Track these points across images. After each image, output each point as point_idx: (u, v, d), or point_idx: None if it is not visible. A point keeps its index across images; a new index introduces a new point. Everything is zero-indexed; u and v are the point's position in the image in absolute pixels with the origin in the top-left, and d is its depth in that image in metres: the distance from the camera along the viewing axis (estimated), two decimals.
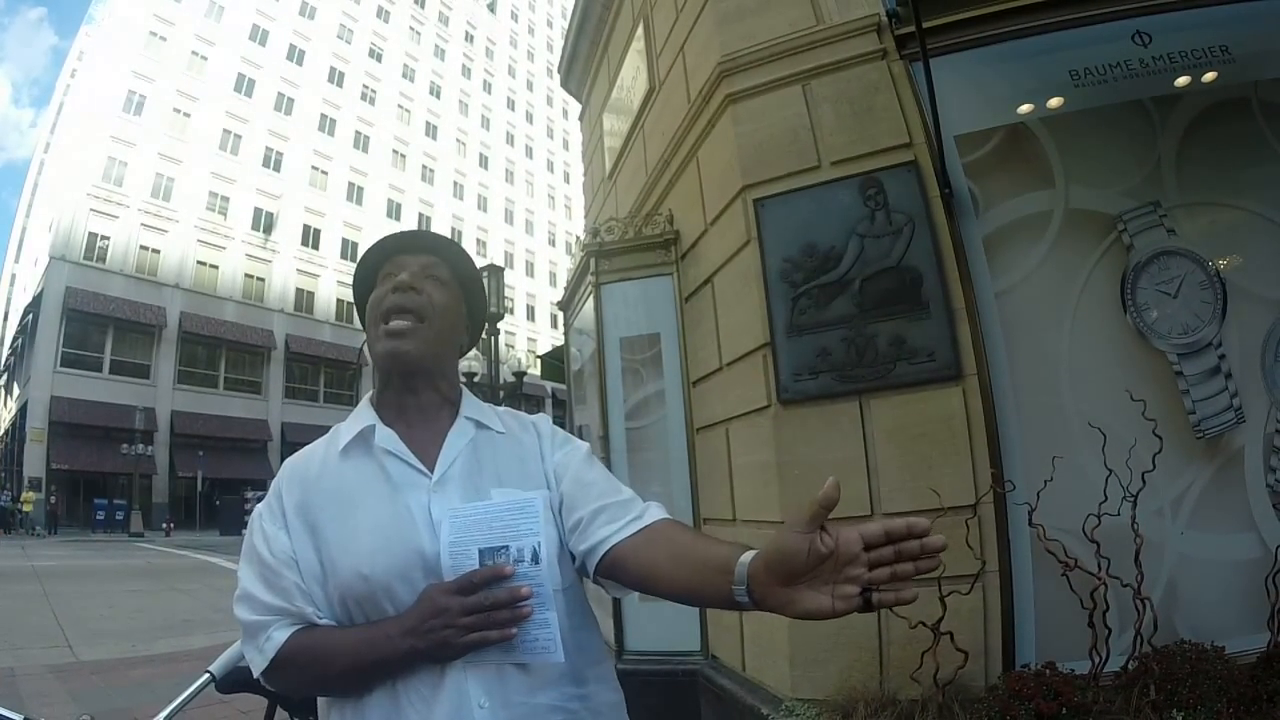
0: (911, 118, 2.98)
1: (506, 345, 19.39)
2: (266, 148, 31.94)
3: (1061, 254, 2.88)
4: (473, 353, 12.18)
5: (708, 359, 3.60)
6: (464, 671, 0.92)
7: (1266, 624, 2.37)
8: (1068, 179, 2.91)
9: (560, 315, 5.85)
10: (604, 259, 4.21)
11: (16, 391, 28.04)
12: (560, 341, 6.89)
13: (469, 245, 35.15)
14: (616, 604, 3.61)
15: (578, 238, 4.73)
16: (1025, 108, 2.97)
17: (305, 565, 0.98)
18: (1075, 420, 2.70)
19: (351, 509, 1.00)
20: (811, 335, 2.94)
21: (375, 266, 1.15)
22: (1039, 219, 2.91)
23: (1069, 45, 2.90)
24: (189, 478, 26.25)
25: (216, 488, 26.42)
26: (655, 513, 1.04)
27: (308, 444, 1.13)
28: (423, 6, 41.91)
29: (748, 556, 0.81)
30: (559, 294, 6.10)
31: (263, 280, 31.25)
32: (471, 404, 1.14)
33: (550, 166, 50.54)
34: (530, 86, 50.17)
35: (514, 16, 50.39)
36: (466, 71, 44.24)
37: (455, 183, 41.47)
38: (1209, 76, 2.82)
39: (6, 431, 28.56)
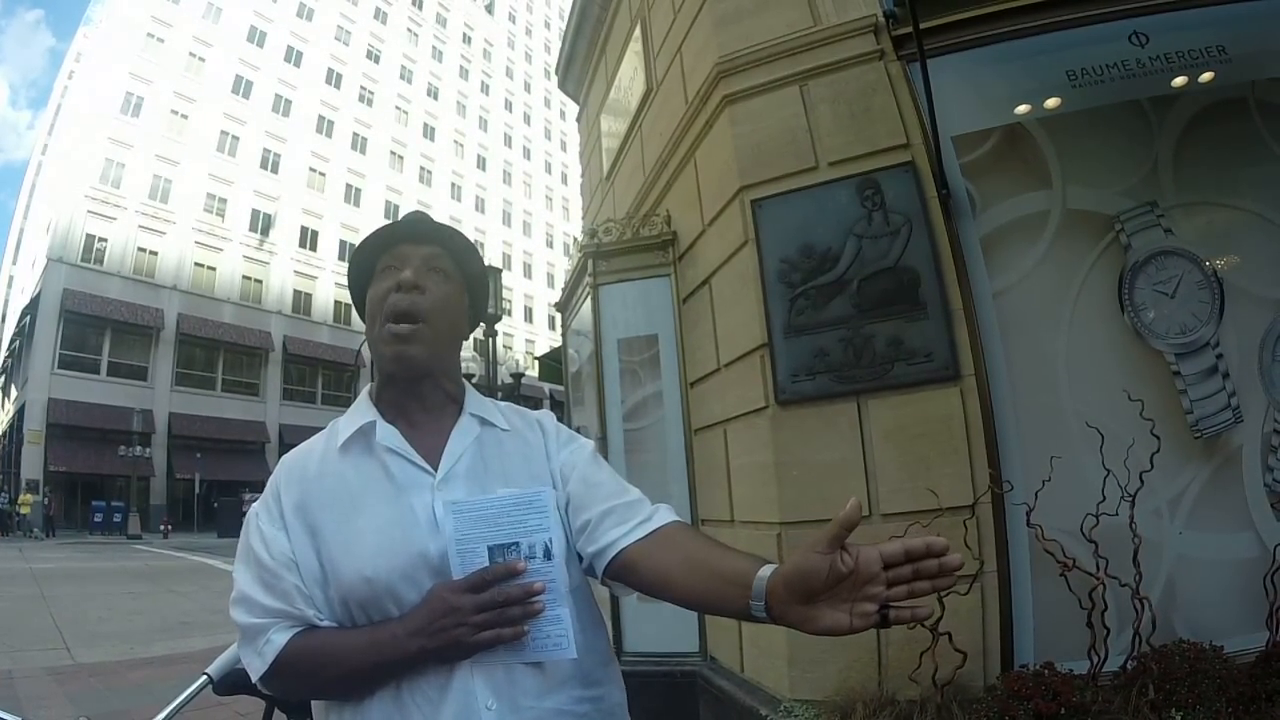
0: (909, 118, 2.99)
1: (504, 346, 19.39)
2: (264, 149, 31.90)
3: (1059, 254, 2.88)
4: (471, 354, 12.17)
5: (705, 360, 3.59)
6: (471, 672, 0.90)
7: (1265, 623, 2.37)
8: (1065, 179, 2.91)
9: (558, 316, 5.85)
10: (602, 260, 4.21)
11: (14, 393, 27.98)
12: (558, 343, 6.89)
13: None
14: (615, 604, 3.61)
15: (575, 239, 4.73)
16: (1022, 108, 2.97)
17: (305, 567, 0.95)
18: (1073, 420, 2.71)
19: (353, 509, 0.97)
20: (809, 336, 2.94)
21: (374, 256, 1.10)
22: (1036, 219, 2.92)
23: (1066, 45, 2.90)
24: (187, 479, 26.18)
25: (214, 489, 26.34)
26: (664, 515, 1.02)
27: None
28: (420, 8, 41.90)
29: (766, 571, 0.81)
30: (557, 295, 6.10)
31: (260, 282, 31.21)
32: (475, 400, 1.11)
33: (548, 168, 50.53)
34: (528, 88, 50.17)
35: (511, 18, 50.40)
36: (464, 73, 44.22)
37: (453, 184, 41.45)
38: (1206, 76, 2.82)
39: (4, 434, 28.47)
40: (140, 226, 27.49)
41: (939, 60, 2.81)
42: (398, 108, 38.94)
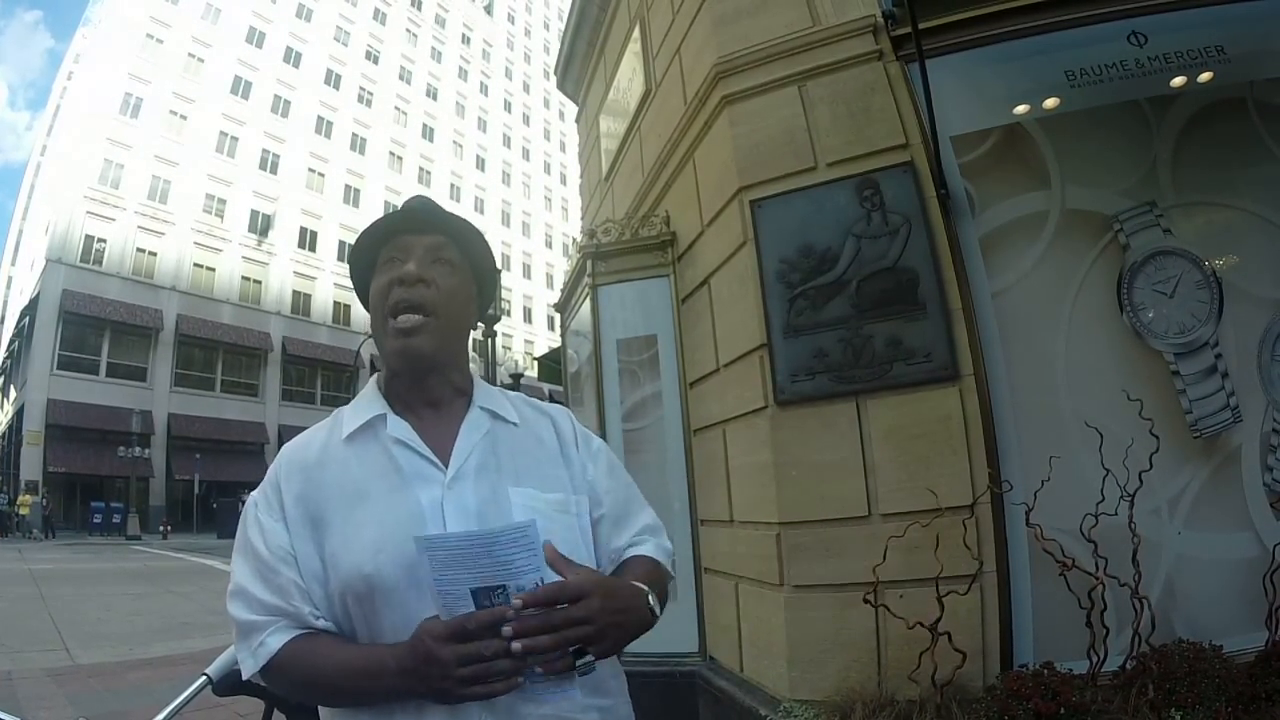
0: (908, 118, 2.99)
1: (503, 347, 19.38)
2: (263, 150, 31.88)
3: (1058, 254, 2.88)
4: (470, 355, 12.17)
5: (705, 360, 3.59)
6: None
7: (1264, 623, 2.36)
8: (1064, 179, 2.91)
9: (557, 317, 5.84)
10: (601, 260, 4.21)
11: (13, 394, 27.95)
12: (557, 343, 6.89)
13: None
14: None
15: (574, 239, 4.74)
16: (1021, 108, 2.97)
17: (304, 561, 0.94)
18: (1072, 420, 2.71)
19: (356, 499, 0.95)
20: (808, 336, 2.94)
21: (376, 247, 1.08)
22: (1035, 219, 2.92)
23: (1065, 46, 2.90)
24: (186, 480, 26.16)
25: (213, 490, 26.30)
26: (647, 548, 1.10)
27: None
28: (419, 9, 41.90)
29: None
30: (556, 296, 6.09)
31: (259, 282, 31.18)
32: (484, 392, 1.10)
33: (547, 168, 50.52)
34: (527, 89, 50.17)
35: (511, 19, 50.40)
36: (463, 74, 44.22)
37: (452, 185, 41.42)
38: (1205, 76, 2.83)
39: (3, 434, 28.45)
40: (139, 227, 27.46)
41: (938, 60, 2.81)
42: (397, 108, 38.93)
